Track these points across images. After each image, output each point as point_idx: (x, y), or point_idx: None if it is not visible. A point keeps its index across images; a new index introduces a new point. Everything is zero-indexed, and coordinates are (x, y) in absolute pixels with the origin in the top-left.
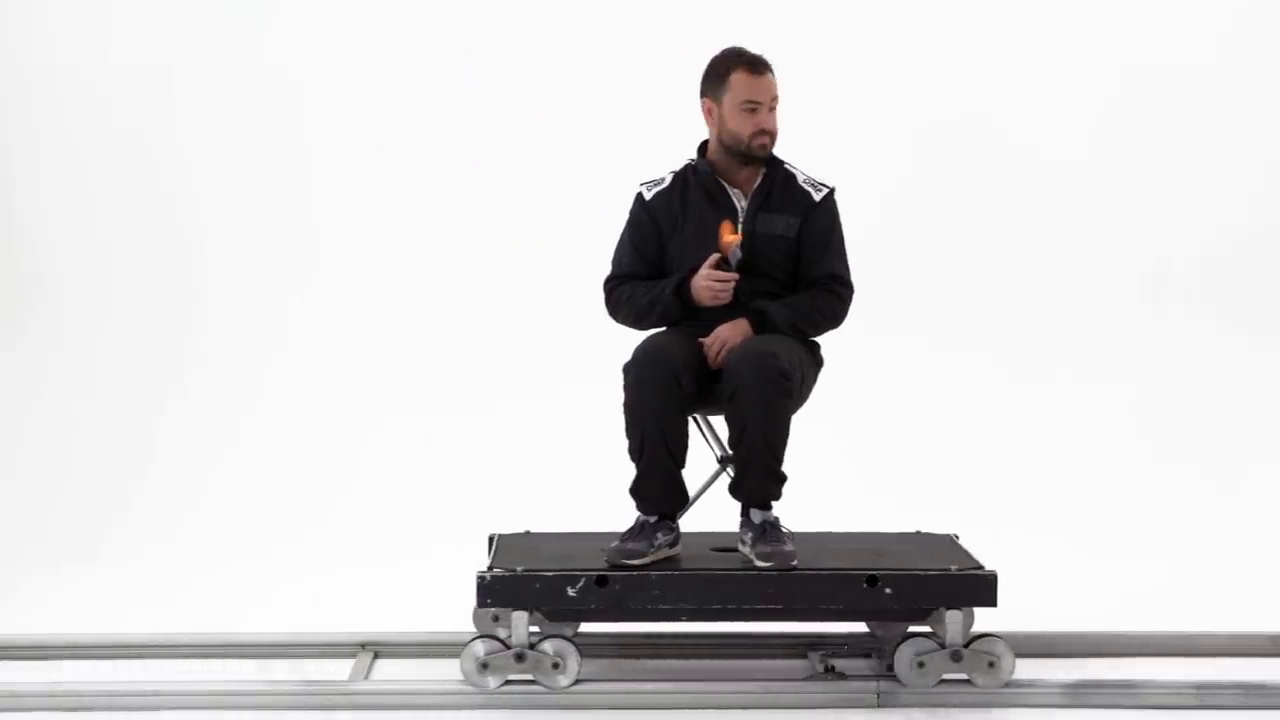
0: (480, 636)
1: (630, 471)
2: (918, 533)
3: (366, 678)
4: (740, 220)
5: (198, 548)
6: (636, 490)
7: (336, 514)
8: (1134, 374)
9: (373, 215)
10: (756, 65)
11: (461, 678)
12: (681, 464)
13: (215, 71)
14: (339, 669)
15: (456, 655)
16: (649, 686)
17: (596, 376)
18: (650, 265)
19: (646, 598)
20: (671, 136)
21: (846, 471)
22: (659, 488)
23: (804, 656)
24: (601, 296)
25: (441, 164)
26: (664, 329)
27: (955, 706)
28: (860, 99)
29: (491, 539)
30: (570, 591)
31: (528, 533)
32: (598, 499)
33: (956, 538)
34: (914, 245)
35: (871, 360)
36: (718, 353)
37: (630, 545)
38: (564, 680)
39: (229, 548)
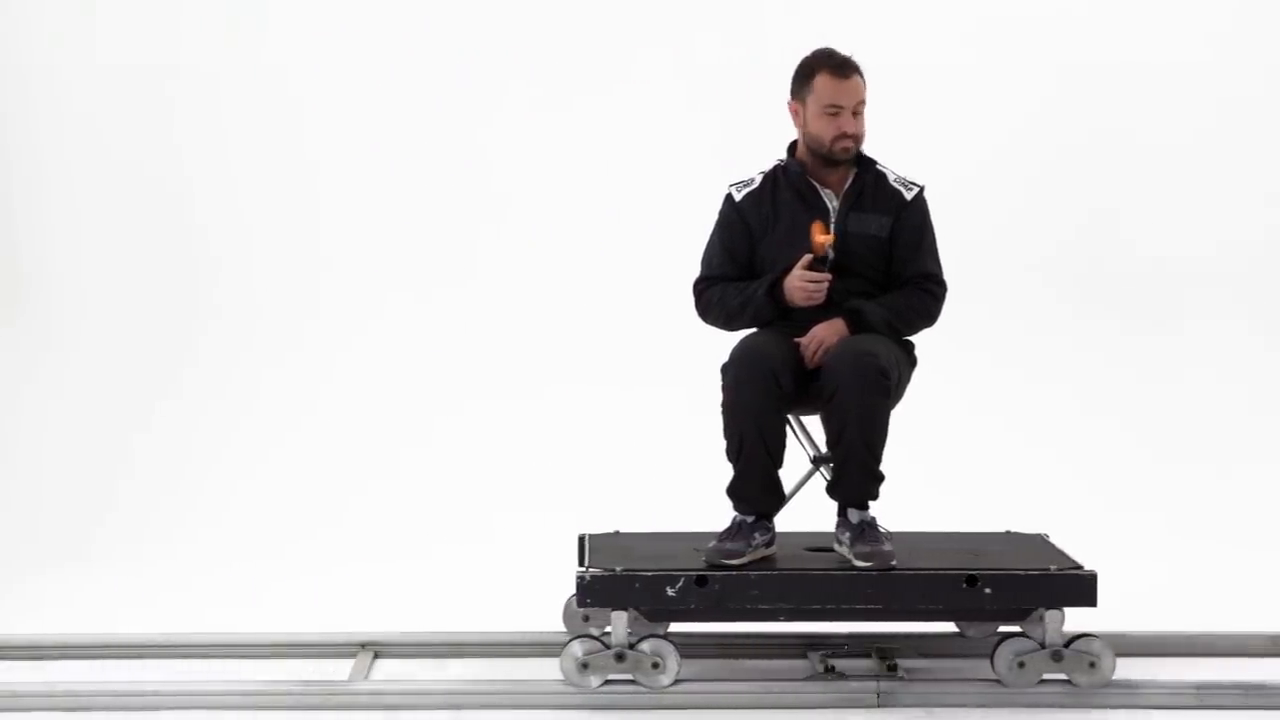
0: (578, 636)
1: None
2: (1008, 532)
3: (366, 678)
4: (832, 220)
5: (198, 547)
6: (734, 490)
7: (336, 514)
8: (1132, 374)
9: (375, 212)
10: (842, 68)
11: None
12: (779, 464)
13: (212, 71)
14: (339, 669)
15: (457, 655)
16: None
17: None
18: (740, 266)
19: (745, 598)
20: (672, 135)
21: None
22: (757, 488)
23: (804, 656)
24: (691, 298)
25: (471, 156)
26: (759, 329)
27: (956, 706)
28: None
29: (581, 539)
30: (670, 591)
31: (617, 533)
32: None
33: (1047, 537)
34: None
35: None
36: (814, 352)
37: (728, 545)
38: (665, 679)
39: (229, 547)
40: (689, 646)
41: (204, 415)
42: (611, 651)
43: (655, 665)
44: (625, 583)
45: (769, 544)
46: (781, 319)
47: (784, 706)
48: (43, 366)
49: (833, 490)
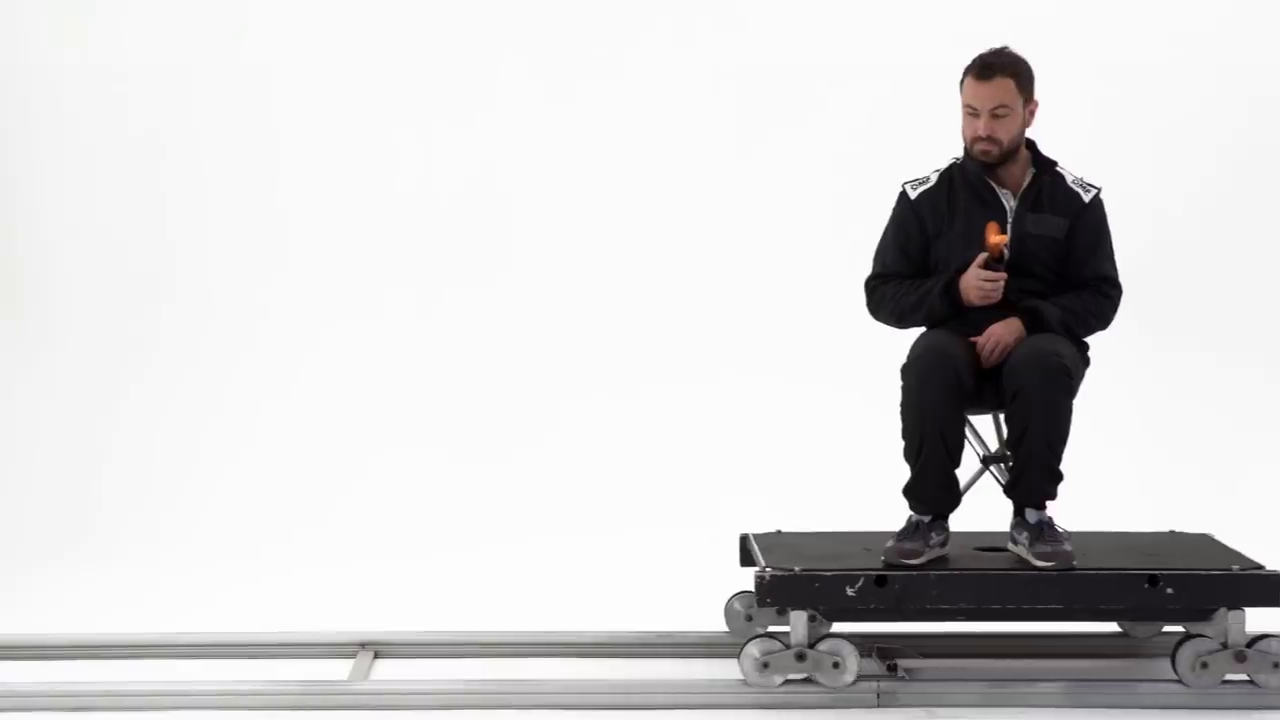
0: (757, 636)
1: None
2: (1172, 532)
3: (366, 678)
4: (1009, 220)
5: (197, 547)
6: (911, 490)
7: (337, 514)
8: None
9: (385, 205)
10: (982, 70)
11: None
12: (957, 464)
13: (212, 70)
14: (339, 669)
15: (456, 655)
16: (644, 684)
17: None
18: (914, 264)
19: (926, 598)
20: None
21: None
22: (935, 488)
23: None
24: (863, 296)
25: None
26: (936, 328)
27: (956, 706)
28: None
29: (744, 539)
30: (849, 591)
31: (779, 532)
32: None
33: (1212, 537)
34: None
35: None
36: (992, 351)
37: (907, 545)
38: (846, 678)
39: (229, 547)
40: (685, 645)
41: (207, 415)
42: (791, 651)
43: (835, 665)
44: (805, 582)
45: (944, 544)
46: (955, 318)
47: (784, 706)
48: (38, 367)
49: (1011, 490)
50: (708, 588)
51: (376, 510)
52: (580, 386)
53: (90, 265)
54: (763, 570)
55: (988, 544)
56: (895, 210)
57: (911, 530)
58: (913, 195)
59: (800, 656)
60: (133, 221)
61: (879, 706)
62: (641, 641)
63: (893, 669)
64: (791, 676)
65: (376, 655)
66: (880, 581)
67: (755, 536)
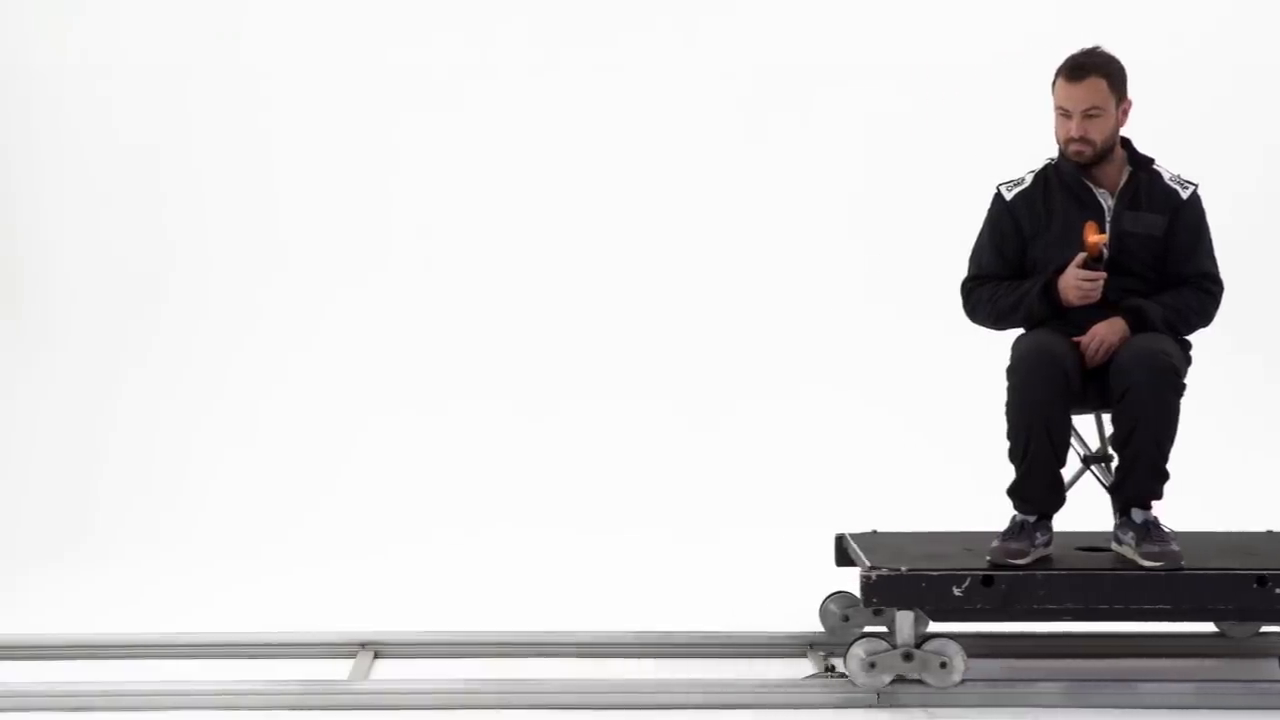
0: (862, 636)
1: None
2: (1269, 532)
3: (366, 678)
4: (1107, 219)
5: (196, 547)
6: (1016, 490)
7: (337, 513)
8: None
9: (385, 202)
10: (1073, 71)
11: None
12: (1063, 463)
13: (201, 71)
14: (339, 669)
15: (456, 655)
16: (645, 684)
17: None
18: (1010, 265)
19: (1033, 598)
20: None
21: None
22: (1041, 488)
23: (804, 656)
24: (959, 298)
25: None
26: (1039, 328)
27: (956, 706)
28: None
29: (840, 538)
30: (956, 591)
31: (875, 532)
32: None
33: None
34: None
35: None
36: (1096, 351)
37: (1012, 545)
38: (954, 678)
39: (228, 547)
40: (681, 645)
41: (205, 414)
42: (899, 651)
43: (943, 665)
44: (911, 582)
45: (1048, 544)
46: (1054, 318)
47: (784, 706)
48: (34, 368)
49: (1118, 489)
50: (747, 585)
51: (377, 510)
52: (613, 387)
53: (87, 266)
54: (869, 570)
55: (1089, 544)
56: (990, 212)
57: (1017, 530)
58: (1008, 196)
59: (907, 656)
60: (128, 222)
61: (879, 706)
62: (642, 641)
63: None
64: (901, 676)
65: (376, 655)
66: (987, 581)
67: (853, 536)
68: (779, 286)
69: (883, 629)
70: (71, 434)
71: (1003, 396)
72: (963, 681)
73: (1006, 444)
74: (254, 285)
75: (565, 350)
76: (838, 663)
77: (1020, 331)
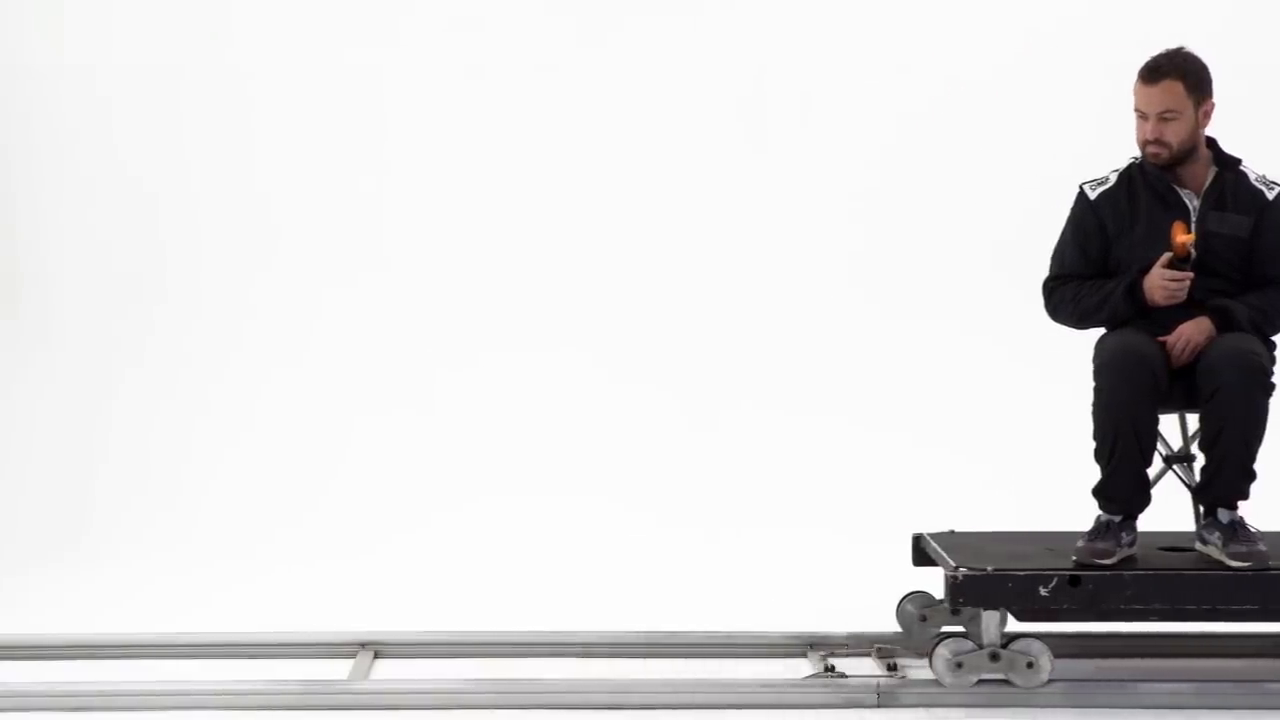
0: (948, 637)
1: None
2: None
3: (366, 678)
4: (1192, 220)
5: (195, 546)
6: (1102, 490)
7: (337, 512)
8: None
9: (379, 208)
10: (1149, 74)
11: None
12: (1149, 463)
13: (188, 70)
14: (339, 669)
15: (456, 655)
16: (645, 684)
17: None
18: (1093, 265)
19: (1120, 598)
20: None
21: None
22: (1127, 488)
23: (804, 656)
24: (1042, 298)
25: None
26: (1124, 328)
27: (956, 706)
28: None
29: (917, 538)
30: (1042, 591)
31: (953, 531)
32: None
33: None
34: None
35: None
36: (1182, 351)
37: (1099, 545)
38: (1041, 678)
39: (227, 546)
40: (685, 645)
41: (203, 414)
42: (985, 651)
43: (1029, 665)
44: (998, 582)
45: (1133, 544)
46: (1138, 318)
47: (784, 706)
48: (30, 368)
49: (1204, 490)
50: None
51: (377, 509)
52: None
53: (83, 266)
54: (955, 570)
55: (1171, 544)
56: (1073, 210)
57: (1103, 530)
58: (1092, 196)
59: (994, 657)
60: (125, 222)
61: (879, 706)
62: (643, 641)
63: (893, 669)
64: (985, 676)
65: (376, 655)
66: (1074, 581)
67: (932, 536)
68: (800, 283)
69: (959, 628)
70: (69, 434)
71: (997, 398)
72: (1049, 681)
73: (1093, 444)
74: (249, 284)
75: (565, 349)
76: (837, 662)
77: (1101, 331)
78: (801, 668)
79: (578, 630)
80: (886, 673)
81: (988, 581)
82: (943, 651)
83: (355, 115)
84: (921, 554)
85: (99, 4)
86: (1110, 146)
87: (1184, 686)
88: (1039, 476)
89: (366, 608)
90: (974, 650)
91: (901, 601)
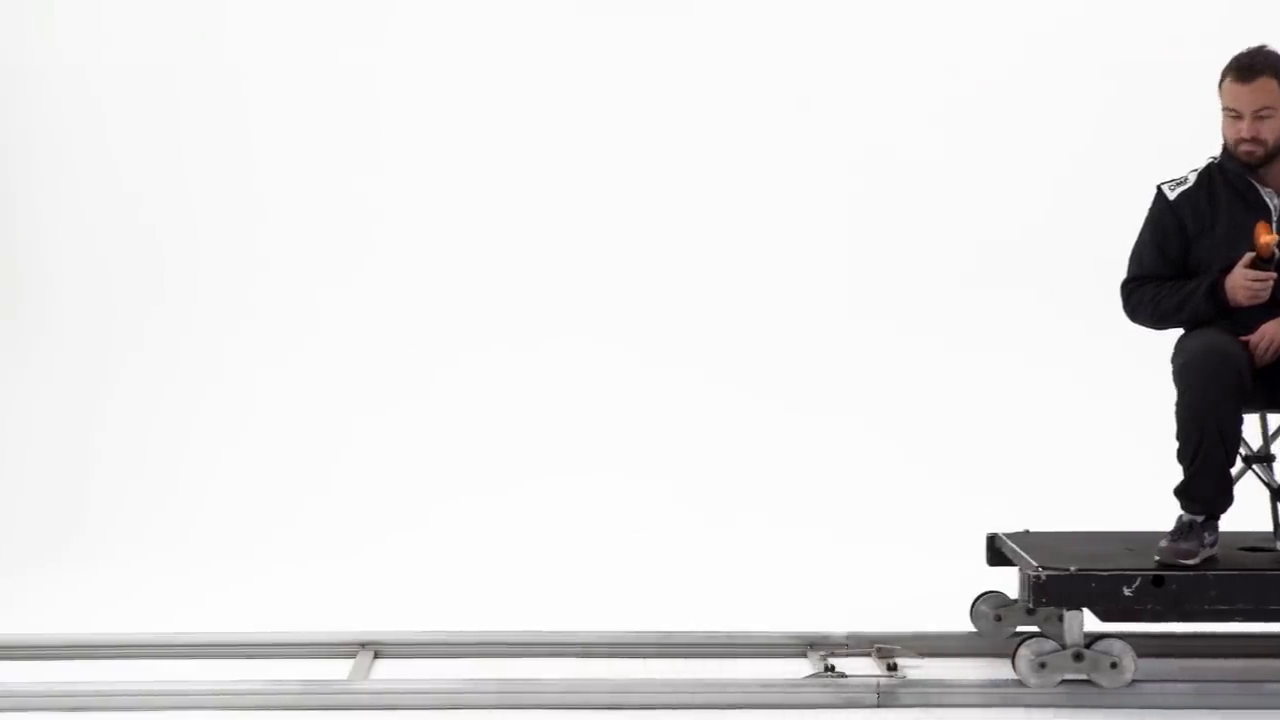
0: (1031, 637)
1: None
2: None
3: (366, 678)
4: (1274, 220)
5: (194, 546)
6: (1186, 490)
7: (337, 511)
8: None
9: (375, 205)
10: (1240, 73)
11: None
12: (1233, 464)
13: (182, 70)
14: (339, 669)
15: (456, 655)
16: (645, 684)
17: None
18: (1173, 265)
19: (1204, 599)
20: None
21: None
22: (1211, 488)
23: (804, 656)
24: (1120, 299)
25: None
26: (1206, 328)
27: (956, 706)
28: None
29: (992, 538)
30: (1126, 591)
31: (1027, 531)
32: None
33: None
34: None
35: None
36: (1266, 350)
37: (1182, 545)
38: (1125, 678)
39: (226, 545)
40: (679, 645)
41: (201, 413)
42: (1069, 651)
43: (1113, 665)
44: (1080, 582)
45: (1215, 544)
46: (1219, 319)
47: (784, 706)
48: (27, 368)
49: None
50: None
51: (376, 508)
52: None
53: (79, 267)
54: (1037, 570)
55: (1251, 544)
56: (1152, 211)
57: (1185, 530)
58: (1171, 196)
59: (1078, 657)
60: (122, 223)
61: (879, 706)
62: (642, 641)
63: (893, 669)
64: (1069, 677)
65: (376, 655)
66: (1157, 582)
67: (1008, 536)
68: (798, 281)
69: (1033, 628)
70: (67, 433)
71: (994, 398)
72: (1133, 682)
73: (1175, 444)
74: (245, 283)
75: (565, 348)
76: (837, 662)
77: (1180, 332)
78: (801, 668)
79: (577, 630)
80: (886, 673)
81: (1070, 581)
82: (1025, 652)
83: (350, 113)
84: (996, 554)
85: (92, 4)
86: (1110, 146)
87: (1183, 687)
88: (1061, 477)
89: (366, 607)
90: (1057, 650)
91: (975, 602)
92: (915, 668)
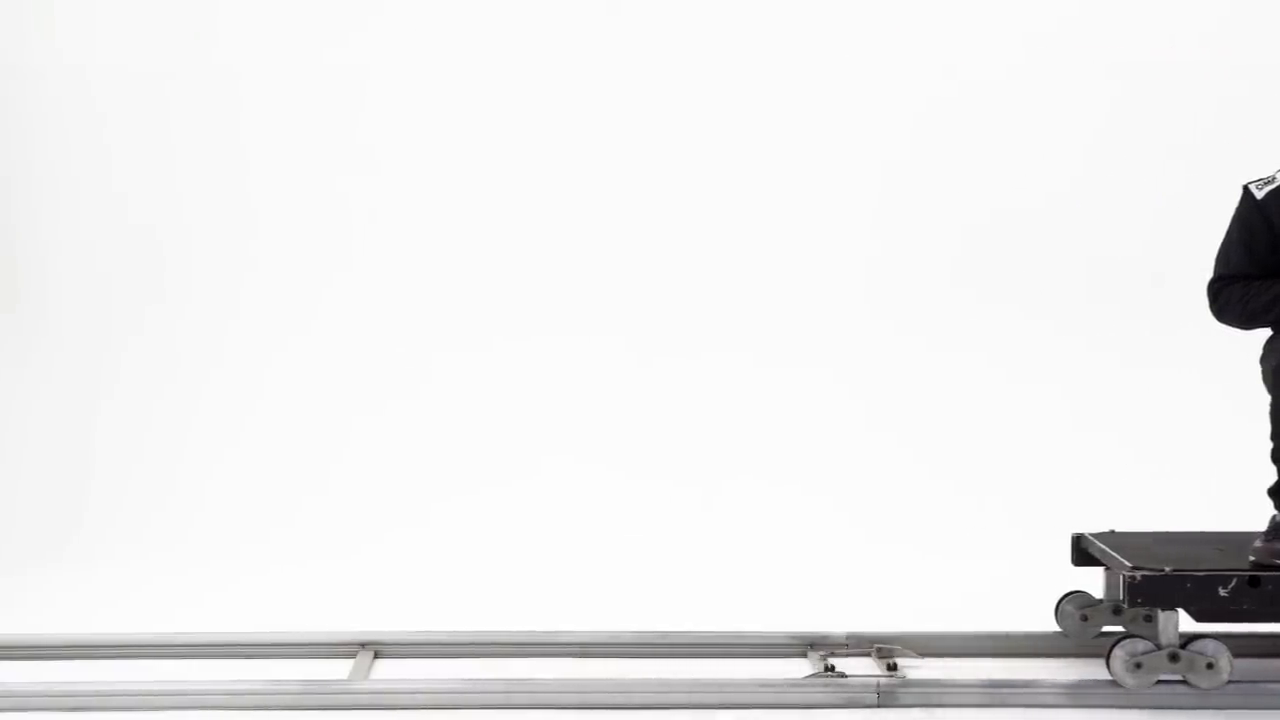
0: (1125, 638)
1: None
2: None
3: (366, 678)
4: None
5: (194, 545)
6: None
7: (336, 511)
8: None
9: (373, 204)
10: None
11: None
12: None
13: (175, 71)
14: (339, 669)
15: (456, 655)
16: (644, 684)
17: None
18: (1261, 265)
19: None
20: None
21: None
22: None
23: (804, 656)
24: (1206, 299)
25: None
26: None
27: (956, 706)
28: None
29: (1078, 538)
30: (1222, 591)
31: (1113, 531)
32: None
33: None
34: None
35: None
36: None
37: (1278, 545)
38: (1220, 679)
39: (226, 545)
40: (684, 645)
41: (200, 412)
42: (1164, 652)
43: (1209, 665)
44: (1176, 583)
45: None
46: None
47: (784, 706)
48: (26, 368)
49: None
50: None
51: (376, 508)
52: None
53: (77, 266)
54: (1132, 571)
55: None
56: (1239, 210)
57: (1279, 531)
58: (1259, 195)
59: (1174, 657)
60: (120, 223)
61: (879, 706)
62: (642, 641)
63: (893, 669)
64: (1164, 677)
65: (376, 655)
66: (1254, 582)
67: (1096, 536)
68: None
69: (1119, 628)
70: (65, 433)
71: (1000, 399)
72: (1228, 683)
73: (1270, 445)
74: (243, 282)
75: (564, 347)
76: (837, 662)
77: (1269, 333)
78: (801, 668)
79: (576, 630)
80: (886, 673)
81: (1165, 582)
82: (1120, 653)
83: (347, 111)
84: (1083, 554)
85: (88, 4)
86: (1119, 147)
87: (1184, 687)
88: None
89: (365, 607)
90: (1152, 651)
91: (1060, 602)
92: (915, 668)
